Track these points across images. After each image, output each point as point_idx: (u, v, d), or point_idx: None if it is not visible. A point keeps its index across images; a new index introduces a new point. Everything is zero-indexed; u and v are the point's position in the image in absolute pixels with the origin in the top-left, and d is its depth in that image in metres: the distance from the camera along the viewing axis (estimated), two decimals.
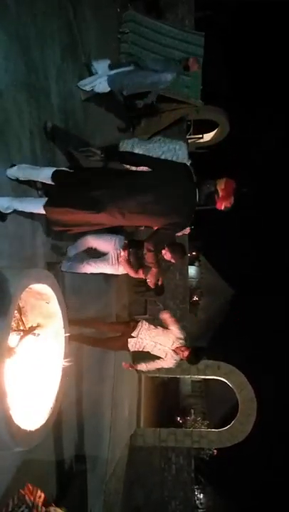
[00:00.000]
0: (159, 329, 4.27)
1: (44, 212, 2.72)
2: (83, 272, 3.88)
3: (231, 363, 8.56)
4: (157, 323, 4.40)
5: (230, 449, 8.55)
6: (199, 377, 10.12)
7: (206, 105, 8.65)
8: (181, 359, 4.20)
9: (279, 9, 17.09)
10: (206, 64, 7.55)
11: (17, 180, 2.83)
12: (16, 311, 2.17)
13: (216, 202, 2.76)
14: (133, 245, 3.89)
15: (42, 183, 2.92)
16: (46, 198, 2.75)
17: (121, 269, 3.90)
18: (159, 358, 4.31)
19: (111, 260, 3.89)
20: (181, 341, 4.17)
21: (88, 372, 4.86)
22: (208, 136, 11.46)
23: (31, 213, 2.91)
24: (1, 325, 1.82)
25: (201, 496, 21.07)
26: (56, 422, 3.24)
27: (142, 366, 4.39)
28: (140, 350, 4.29)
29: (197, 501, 19.89)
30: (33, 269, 2.34)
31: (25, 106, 3.12)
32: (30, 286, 2.15)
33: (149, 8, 9.33)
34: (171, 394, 15.93)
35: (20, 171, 2.78)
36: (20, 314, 2.34)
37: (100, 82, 4.74)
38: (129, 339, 4.28)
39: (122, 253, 3.86)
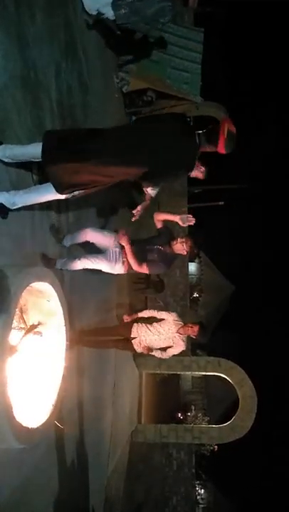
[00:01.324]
0: (155, 324, 4.36)
1: (49, 199, 2.68)
2: (79, 267, 3.65)
3: (232, 359, 8.57)
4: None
5: (230, 445, 8.58)
6: (200, 373, 10.13)
7: (206, 101, 8.62)
8: (192, 337, 4.26)
9: (278, 5, 17.02)
10: (205, 60, 7.52)
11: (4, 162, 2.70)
12: (17, 309, 2.18)
13: (219, 138, 2.69)
14: (136, 242, 3.77)
15: (38, 170, 2.83)
16: (45, 184, 2.68)
17: (117, 268, 3.70)
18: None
19: (109, 256, 3.66)
20: (179, 322, 4.28)
21: (89, 369, 4.87)
22: None
23: (32, 209, 2.89)
24: (2, 323, 1.83)
25: (202, 491, 21.17)
26: (57, 419, 3.25)
27: (157, 353, 4.38)
28: (148, 350, 4.31)
29: (198, 497, 19.99)
30: (34, 268, 2.35)
31: (25, 104, 3.11)
32: (31, 284, 2.16)
33: None
34: (171, 390, 15.96)
35: (6, 151, 2.64)
36: (22, 312, 2.35)
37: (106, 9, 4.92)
38: (132, 341, 4.33)
39: (126, 245, 3.58)
